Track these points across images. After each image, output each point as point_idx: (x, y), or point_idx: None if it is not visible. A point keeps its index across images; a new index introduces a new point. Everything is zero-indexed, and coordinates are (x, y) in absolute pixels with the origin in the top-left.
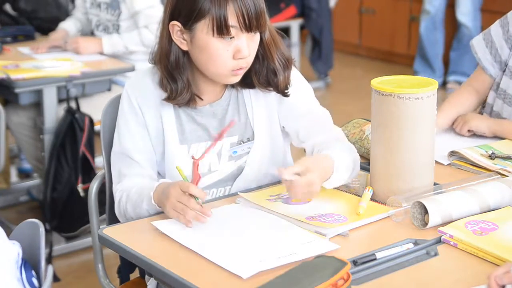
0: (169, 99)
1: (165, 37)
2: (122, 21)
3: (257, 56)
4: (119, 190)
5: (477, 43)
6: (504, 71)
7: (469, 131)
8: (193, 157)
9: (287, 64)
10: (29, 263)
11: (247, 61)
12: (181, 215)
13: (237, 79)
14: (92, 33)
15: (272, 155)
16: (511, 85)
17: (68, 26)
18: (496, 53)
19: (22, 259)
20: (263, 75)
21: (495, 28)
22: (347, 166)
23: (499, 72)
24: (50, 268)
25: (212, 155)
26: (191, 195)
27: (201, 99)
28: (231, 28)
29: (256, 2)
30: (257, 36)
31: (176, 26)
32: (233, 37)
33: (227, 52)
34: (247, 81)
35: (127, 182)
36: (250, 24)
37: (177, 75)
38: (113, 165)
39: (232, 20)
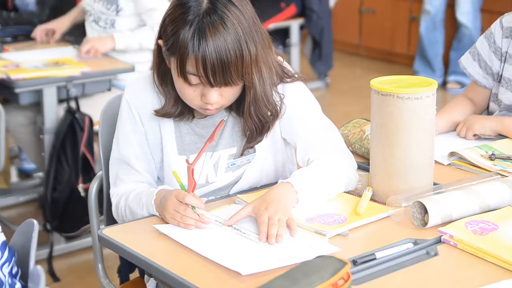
0: (160, 111)
1: (157, 50)
2: (121, 17)
3: (241, 98)
4: (116, 194)
5: (465, 59)
6: (500, 82)
7: (474, 135)
8: (187, 161)
9: (266, 123)
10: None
11: (220, 104)
12: (181, 223)
13: (211, 114)
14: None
15: (273, 164)
16: (508, 96)
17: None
18: (486, 66)
19: (9, 247)
20: (244, 123)
21: (480, 41)
22: (314, 184)
23: (493, 83)
24: (41, 269)
25: (208, 167)
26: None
27: (194, 116)
28: (191, 76)
29: (223, 56)
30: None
31: (162, 45)
32: (199, 83)
33: (193, 92)
34: (239, 113)
35: (124, 187)
36: (213, 79)
37: (165, 88)
38: (111, 169)
39: (191, 70)
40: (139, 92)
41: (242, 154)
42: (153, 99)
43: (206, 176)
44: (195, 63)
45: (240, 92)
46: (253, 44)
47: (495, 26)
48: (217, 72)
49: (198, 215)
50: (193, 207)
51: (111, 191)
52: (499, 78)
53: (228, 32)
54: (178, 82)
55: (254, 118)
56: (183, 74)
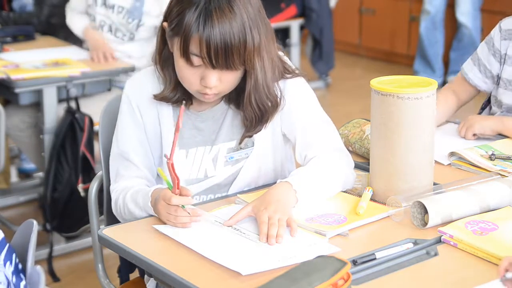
0: (159, 95)
1: (161, 33)
2: (140, 32)
3: (241, 89)
4: (115, 191)
5: (466, 65)
6: (498, 84)
7: (474, 135)
8: (165, 156)
9: (265, 113)
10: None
11: (218, 89)
12: (177, 223)
13: (208, 100)
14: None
15: (272, 162)
16: (506, 96)
17: (84, 24)
18: (486, 69)
19: (9, 244)
20: (244, 112)
21: (481, 46)
22: (312, 183)
23: (493, 85)
24: (40, 269)
25: (207, 161)
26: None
27: (191, 103)
28: (193, 57)
29: (227, 39)
30: (234, 70)
31: (166, 28)
32: (200, 64)
33: (193, 75)
34: (239, 105)
35: (123, 183)
36: (215, 60)
37: (166, 72)
38: (111, 165)
39: (195, 50)
40: (140, 87)
41: (241, 143)
42: (154, 93)
43: (205, 170)
44: (199, 43)
45: (239, 80)
46: (257, 33)
47: (495, 30)
48: (220, 55)
49: (189, 212)
50: (182, 206)
51: (111, 187)
52: (498, 80)
53: (234, 16)
54: (179, 63)
55: (254, 107)
56: (186, 54)
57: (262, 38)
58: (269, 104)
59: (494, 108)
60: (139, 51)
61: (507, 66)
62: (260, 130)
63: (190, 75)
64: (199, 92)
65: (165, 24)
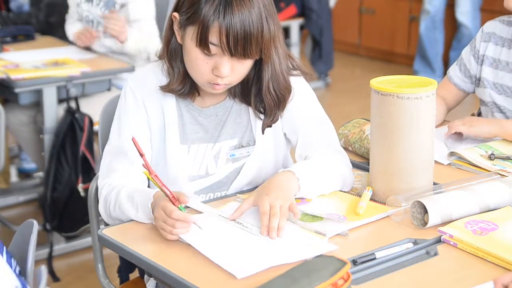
0: (166, 87)
1: (169, 24)
2: None
3: (253, 81)
4: (107, 185)
5: (452, 66)
6: (478, 84)
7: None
8: (143, 165)
9: (283, 100)
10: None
11: (229, 80)
12: (170, 235)
13: (217, 91)
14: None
15: (273, 161)
16: (487, 93)
17: (76, 29)
18: (465, 69)
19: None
20: (256, 103)
21: (466, 48)
22: (314, 174)
23: (472, 86)
24: (44, 269)
25: (209, 158)
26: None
27: (199, 94)
28: (211, 46)
29: (247, 27)
30: (247, 61)
31: (176, 18)
32: (215, 54)
33: (206, 64)
34: (246, 99)
35: (118, 180)
36: (234, 49)
37: (174, 63)
38: (104, 159)
39: (214, 39)
40: (144, 80)
41: (264, 131)
42: (157, 88)
43: (206, 167)
44: (218, 32)
45: (248, 71)
46: (272, 23)
47: (478, 33)
48: (240, 43)
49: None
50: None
51: (101, 182)
52: (477, 81)
53: (252, 6)
54: (193, 53)
55: (273, 95)
56: (204, 42)
57: (276, 29)
58: (286, 91)
59: (482, 108)
60: (119, 46)
61: (486, 66)
62: (278, 119)
63: (203, 64)
64: (209, 82)
65: (175, 14)
